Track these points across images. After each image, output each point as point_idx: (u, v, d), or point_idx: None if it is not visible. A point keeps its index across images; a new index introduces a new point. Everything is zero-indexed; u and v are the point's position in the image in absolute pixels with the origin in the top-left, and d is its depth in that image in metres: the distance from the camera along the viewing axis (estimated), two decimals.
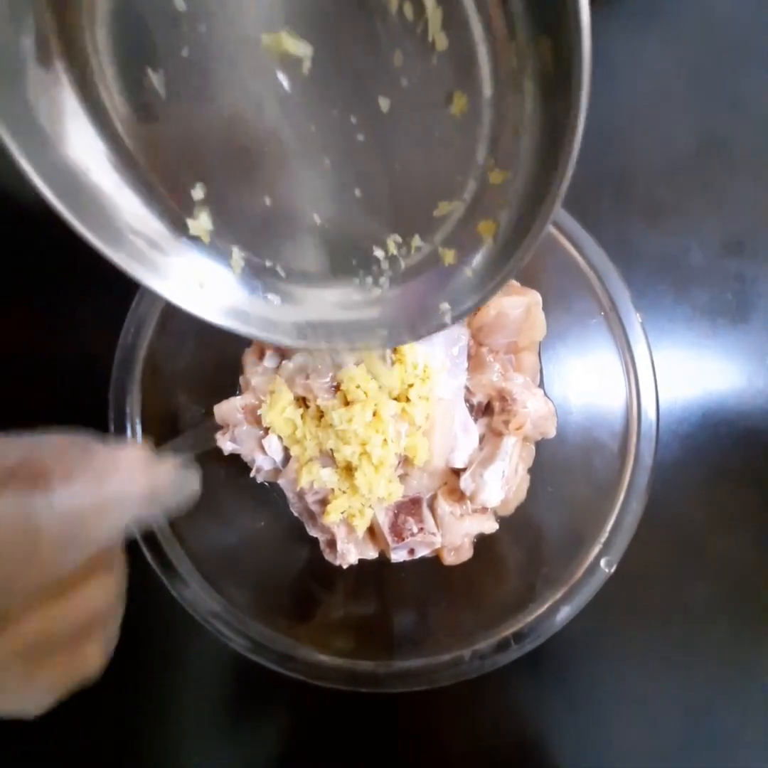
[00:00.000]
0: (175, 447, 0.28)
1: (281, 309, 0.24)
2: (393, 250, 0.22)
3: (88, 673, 0.19)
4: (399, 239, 0.22)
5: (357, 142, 0.19)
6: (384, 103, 0.18)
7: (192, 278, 0.23)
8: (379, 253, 0.22)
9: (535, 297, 0.32)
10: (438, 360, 0.31)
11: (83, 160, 0.19)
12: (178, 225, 0.22)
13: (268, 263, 0.23)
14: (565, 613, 0.27)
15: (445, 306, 0.22)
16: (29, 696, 0.18)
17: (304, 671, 0.27)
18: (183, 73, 0.18)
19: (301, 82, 0.18)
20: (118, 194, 0.21)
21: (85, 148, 0.19)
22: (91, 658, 0.19)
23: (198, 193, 0.21)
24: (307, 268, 0.24)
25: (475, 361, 0.32)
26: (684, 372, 0.38)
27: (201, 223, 0.22)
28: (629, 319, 0.30)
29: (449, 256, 0.22)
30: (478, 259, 0.21)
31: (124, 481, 0.17)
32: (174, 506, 0.20)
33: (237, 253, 0.23)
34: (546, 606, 0.27)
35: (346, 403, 0.28)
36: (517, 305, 0.31)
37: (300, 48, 0.17)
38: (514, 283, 0.33)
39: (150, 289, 0.22)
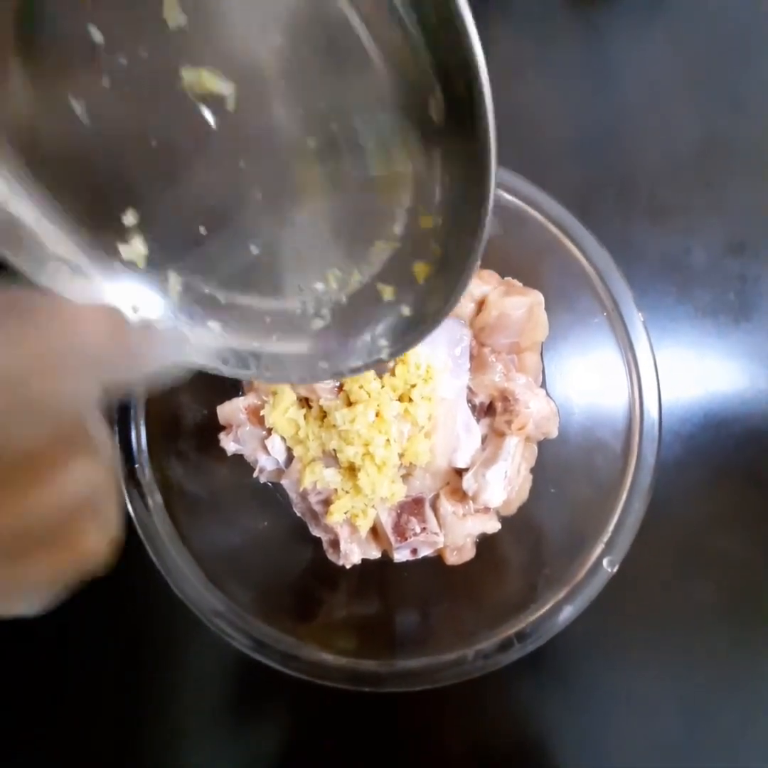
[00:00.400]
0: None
1: (221, 337, 0.24)
2: (333, 283, 0.22)
3: (89, 563, 0.16)
4: (338, 273, 0.22)
5: (289, 181, 0.19)
6: (312, 142, 0.18)
7: (126, 303, 0.22)
8: (319, 285, 0.22)
9: (537, 297, 0.32)
10: (440, 360, 0.31)
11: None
12: (109, 250, 0.21)
13: (206, 290, 0.23)
14: (567, 613, 0.27)
15: (383, 342, 0.23)
16: (18, 595, 0.16)
17: (306, 670, 0.27)
18: (106, 102, 0.18)
19: (227, 119, 0.18)
20: (39, 225, 0.20)
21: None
22: (89, 546, 0.16)
23: (129, 219, 0.20)
24: (246, 296, 0.23)
25: (477, 362, 0.32)
26: (686, 372, 0.38)
27: (134, 247, 0.21)
28: (631, 319, 0.30)
29: (388, 293, 0.22)
30: (414, 298, 0.22)
31: (78, 333, 0.14)
32: (158, 373, 0.16)
33: (174, 279, 0.22)
34: (548, 606, 0.27)
35: (349, 404, 0.29)
36: (519, 306, 0.31)
37: (222, 86, 0.17)
38: (517, 283, 0.33)
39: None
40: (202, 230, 0.21)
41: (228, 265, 0.22)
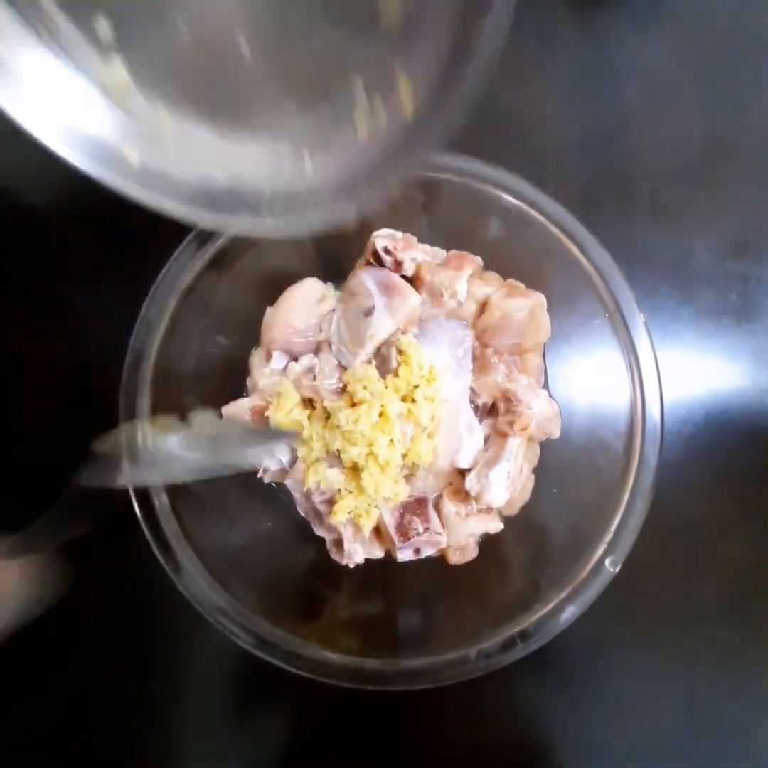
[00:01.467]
0: (27, 540, 0.24)
1: (179, 161, 0.19)
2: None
3: None
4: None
5: None
6: None
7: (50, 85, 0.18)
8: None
9: (539, 299, 0.32)
10: (443, 362, 0.31)
11: None
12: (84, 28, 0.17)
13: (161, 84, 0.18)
14: (570, 613, 0.27)
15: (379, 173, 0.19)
16: None
17: (310, 669, 0.27)
18: None
19: None
20: None
21: None
22: None
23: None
24: (223, 97, 0.19)
25: (479, 363, 0.32)
26: (688, 373, 0.38)
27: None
28: (633, 320, 0.30)
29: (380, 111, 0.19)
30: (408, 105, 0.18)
31: None
32: (29, 606, 0.17)
33: (103, 24, 0.17)
34: (551, 605, 0.27)
35: (353, 405, 0.29)
36: (521, 307, 0.31)
37: None
38: (519, 285, 0.33)
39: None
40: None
41: (211, 61, 0.18)
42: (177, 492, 0.30)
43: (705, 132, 0.40)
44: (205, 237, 0.29)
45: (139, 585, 0.36)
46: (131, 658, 0.36)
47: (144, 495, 0.29)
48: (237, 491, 0.34)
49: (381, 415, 0.28)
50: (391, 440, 0.28)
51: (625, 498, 0.28)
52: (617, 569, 0.27)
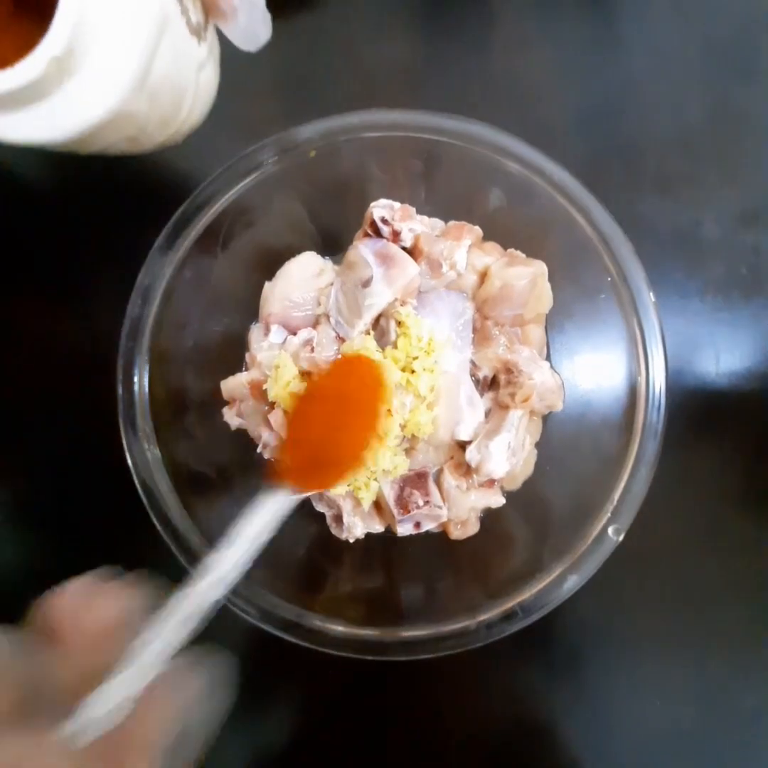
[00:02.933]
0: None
1: None
2: None
3: None
4: None
5: None
6: None
7: None
8: None
9: (540, 267, 0.31)
10: (443, 333, 0.31)
11: None
12: None
13: None
14: (572, 582, 0.27)
15: None
16: None
17: (312, 639, 0.27)
18: None
19: None
20: None
21: None
22: None
23: None
24: None
25: (480, 335, 0.32)
26: (696, 346, 0.38)
27: None
28: (640, 292, 0.30)
29: None
30: None
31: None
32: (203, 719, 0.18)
33: None
34: (553, 576, 0.27)
35: None
36: (522, 276, 0.30)
37: None
38: (519, 254, 0.32)
39: None
40: None
41: None
42: (178, 468, 0.30)
43: (712, 102, 0.39)
44: (200, 206, 0.29)
45: (142, 563, 0.36)
46: None
47: (145, 474, 0.29)
48: (237, 467, 0.34)
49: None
50: (390, 410, 0.28)
51: (629, 466, 0.27)
52: (621, 538, 0.27)
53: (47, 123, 0.20)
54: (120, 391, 0.28)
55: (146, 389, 0.29)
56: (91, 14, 0.19)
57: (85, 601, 0.19)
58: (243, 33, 0.23)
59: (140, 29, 0.20)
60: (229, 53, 0.36)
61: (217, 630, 0.35)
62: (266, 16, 0.23)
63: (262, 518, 0.25)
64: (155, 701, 0.18)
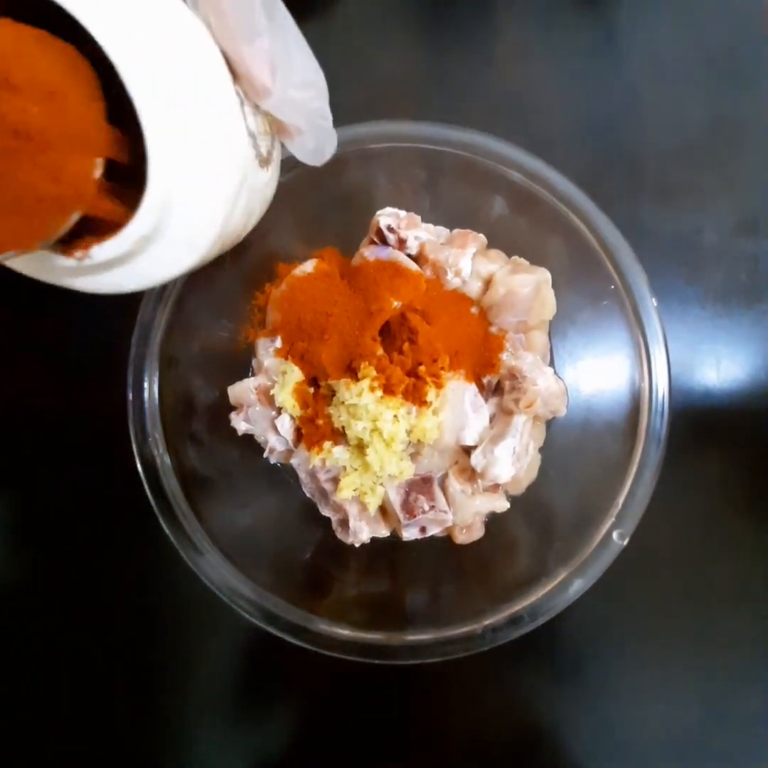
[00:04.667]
0: None
1: None
2: None
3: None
4: None
5: None
6: None
7: None
8: None
9: (544, 275, 0.32)
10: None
11: None
12: None
13: None
14: (577, 586, 0.27)
15: None
16: None
17: (318, 643, 0.27)
18: None
19: None
20: None
21: None
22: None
23: None
24: None
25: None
26: (696, 353, 0.38)
27: None
28: (642, 298, 0.30)
29: None
30: None
31: None
32: None
33: None
34: (559, 579, 0.27)
35: (357, 380, 0.29)
36: (526, 283, 0.31)
37: None
38: (523, 261, 0.33)
39: None
40: None
41: None
42: (186, 474, 0.31)
43: (712, 111, 0.39)
44: None
45: (149, 568, 0.36)
46: (141, 637, 0.36)
47: (155, 479, 0.29)
48: (244, 472, 0.35)
49: (386, 390, 0.28)
50: (396, 416, 0.28)
51: (633, 471, 0.27)
52: (625, 542, 0.27)
53: (126, 280, 0.21)
54: (130, 396, 0.29)
55: (156, 394, 0.29)
56: (177, 192, 0.19)
57: None
58: (310, 152, 0.23)
59: (222, 194, 0.20)
60: None
61: (223, 632, 0.35)
62: (332, 134, 0.23)
63: None
64: None
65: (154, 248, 0.20)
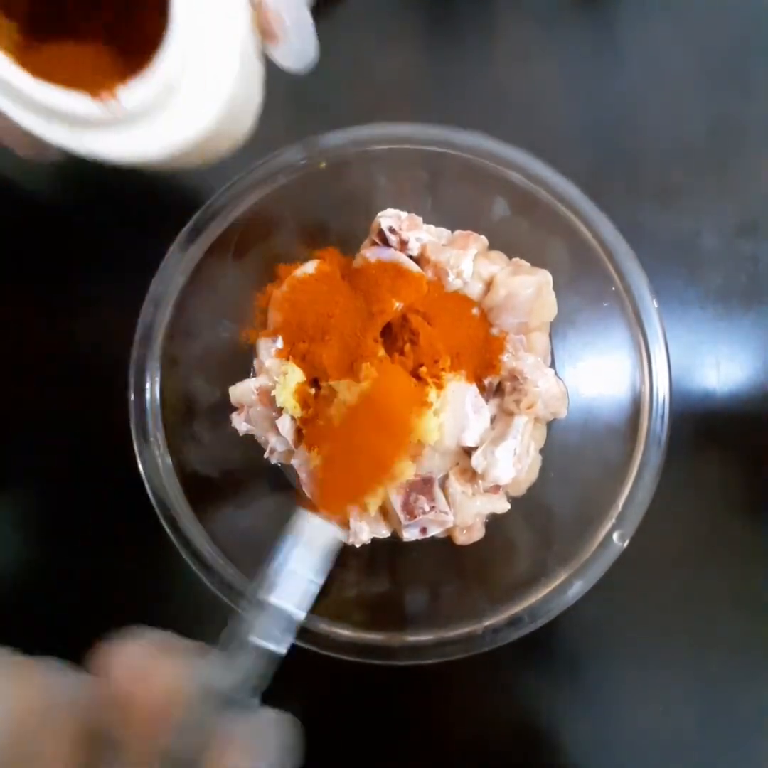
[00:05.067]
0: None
1: None
2: None
3: None
4: None
5: None
6: None
7: None
8: None
9: (545, 276, 0.32)
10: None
11: None
12: None
13: None
14: (577, 588, 0.27)
15: None
16: None
17: (318, 643, 0.27)
18: None
19: None
20: None
21: None
22: None
23: None
24: None
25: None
26: (696, 354, 0.38)
27: None
28: (643, 301, 0.30)
29: None
30: None
31: None
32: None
33: None
34: (559, 581, 0.27)
35: (358, 381, 0.29)
36: (527, 285, 0.31)
37: None
38: (524, 262, 0.33)
39: None
40: None
41: None
42: (187, 474, 0.31)
43: (711, 114, 0.40)
44: (212, 216, 0.29)
45: (149, 569, 0.36)
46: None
47: (156, 479, 0.29)
48: (245, 473, 0.35)
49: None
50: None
51: (633, 473, 0.27)
52: (625, 544, 0.27)
53: (144, 142, 0.21)
54: (132, 397, 0.29)
55: (157, 395, 0.29)
56: (191, 43, 0.20)
57: (147, 665, 0.18)
58: (294, 54, 0.24)
59: (230, 54, 0.21)
60: None
61: (221, 631, 0.35)
62: (314, 35, 0.24)
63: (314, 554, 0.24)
64: (235, 747, 0.17)
65: (175, 102, 0.21)
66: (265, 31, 0.23)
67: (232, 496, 0.33)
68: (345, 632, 0.28)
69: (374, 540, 0.33)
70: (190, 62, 0.20)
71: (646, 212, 0.39)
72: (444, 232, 0.34)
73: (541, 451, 0.33)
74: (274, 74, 0.37)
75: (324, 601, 0.30)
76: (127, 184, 0.36)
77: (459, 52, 0.40)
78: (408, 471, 0.31)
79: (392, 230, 0.31)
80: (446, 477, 0.33)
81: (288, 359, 0.31)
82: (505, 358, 0.31)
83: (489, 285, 0.32)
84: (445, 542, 0.33)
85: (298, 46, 0.24)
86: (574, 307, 0.33)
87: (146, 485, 0.29)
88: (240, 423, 0.32)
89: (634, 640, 0.36)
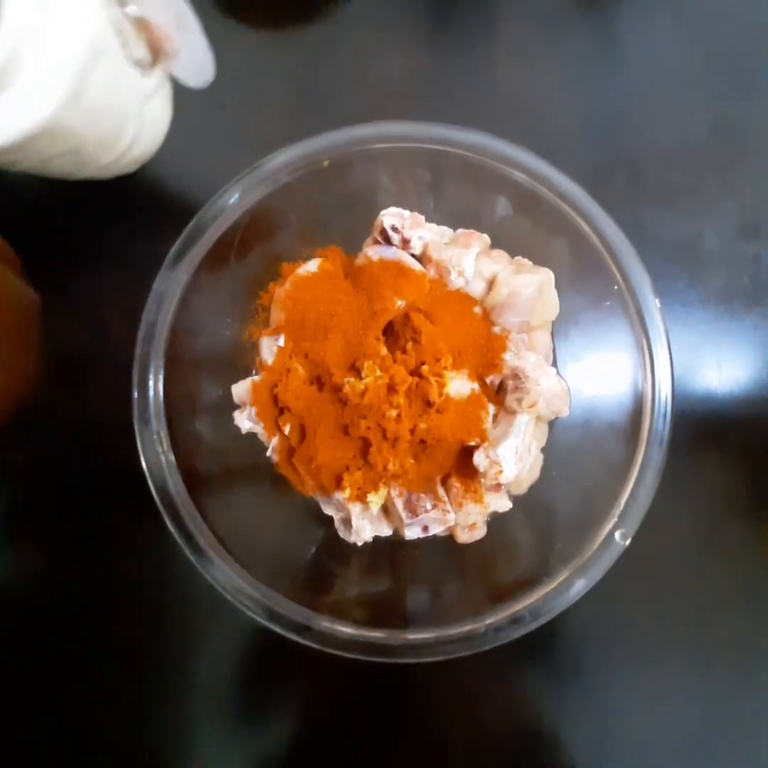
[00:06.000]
0: None
1: None
2: None
3: None
4: None
5: None
6: None
7: None
8: None
9: (547, 275, 0.32)
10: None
11: None
12: None
13: None
14: (579, 586, 0.27)
15: None
16: None
17: (320, 640, 0.27)
18: None
19: None
20: None
21: None
22: None
23: None
24: None
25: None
26: (698, 355, 0.38)
27: None
28: (645, 300, 0.30)
29: None
30: None
31: None
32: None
33: None
34: (560, 579, 0.27)
35: (361, 379, 0.29)
36: (529, 283, 0.31)
37: None
38: (526, 261, 0.33)
39: None
40: None
41: None
42: (190, 471, 0.31)
43: (713, 115, 0.40)
44: (214, 216, 0.29)
45: (152, 566, 0.36)
46: (142, 634, 0.36)
47: (159, 477, 0.29)
48: (248, 472, 0.35)
49: (389, 389, 0.28)
50: (400, 414, 0.28)
51: (635, 472, 0.27)
52: (627, 542, 0.27)
53: None
54: (135, 394, 0.29)
55: (161, 393, 0.29)
56: (26, 35, 0.20)
57: None
58: (191, 72, 0.25)
59: (71, 52, 0.22)
60: (240, 69, 0.37)
61: (224, 631, 0.36)
62: (209, 53, 0.25)
63: None
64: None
65: (4, 97, 0.21)
66: (156, 51, 0.23)
67: (235, 493, 0.33)
68: (346, 630, 0.28)
69: (376, 538, 0.33)
70: (25, 48, 0.20)
71: (647, 213, 0.39)
72: (446, 231, 0.34)
73: (543, 449, 0.33)
74: (273, 75, 0.37)
75: (326, 599, 0.30)
76: (130, 185, 0.36)
77: (461, 53, 0.40)
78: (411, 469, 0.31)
79: (394, 229, 0.31)
80: (448, 475, 0.33)
81: (290, 357, 0.31)
82: (507, 356, 0.31)
83: (491, 284, 0.32)
84: (447, 541, 0.33)
85: (193, 65, 0.24)
86: (576, 306, 0.33)
87: (149, 482, 0.29)
88: (242, 421, 0.32)
89: (635, 638, 0.36)
